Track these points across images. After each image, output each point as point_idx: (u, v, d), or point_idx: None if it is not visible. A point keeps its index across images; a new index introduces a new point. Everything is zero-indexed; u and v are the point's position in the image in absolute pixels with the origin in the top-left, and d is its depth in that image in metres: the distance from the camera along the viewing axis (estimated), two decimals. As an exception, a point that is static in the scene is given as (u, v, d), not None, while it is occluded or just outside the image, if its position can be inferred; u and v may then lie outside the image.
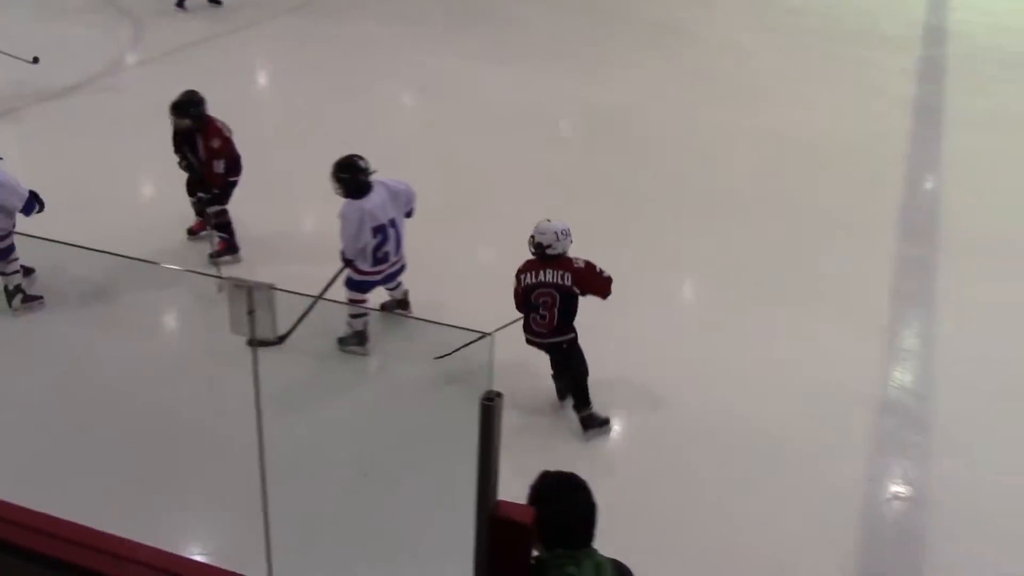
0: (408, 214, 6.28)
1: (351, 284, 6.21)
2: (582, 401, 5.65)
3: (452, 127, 10.19)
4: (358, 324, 6.22)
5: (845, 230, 8.15)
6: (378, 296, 6.49)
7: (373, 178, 6.11)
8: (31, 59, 10.36)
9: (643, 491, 5.17)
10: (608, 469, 5.37)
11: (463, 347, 5.40)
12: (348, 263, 6.13)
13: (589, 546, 2.64)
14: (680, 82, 11.81)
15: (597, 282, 5.53)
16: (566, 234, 5.53)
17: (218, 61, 11.72)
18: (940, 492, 5.27)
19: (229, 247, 7.40)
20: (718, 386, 6.13)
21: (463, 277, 7.10)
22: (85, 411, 5.54)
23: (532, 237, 5.58)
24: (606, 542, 2.72)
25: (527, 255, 5.65)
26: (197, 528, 4.93)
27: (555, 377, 5.88)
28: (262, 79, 12.10)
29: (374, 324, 6.31)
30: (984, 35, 14.43)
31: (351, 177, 6.04)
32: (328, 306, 6.06)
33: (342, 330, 6.23)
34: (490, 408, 2.33)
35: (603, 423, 5.69)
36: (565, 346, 5.60)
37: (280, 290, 2.67)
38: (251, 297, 2.72)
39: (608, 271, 5.60)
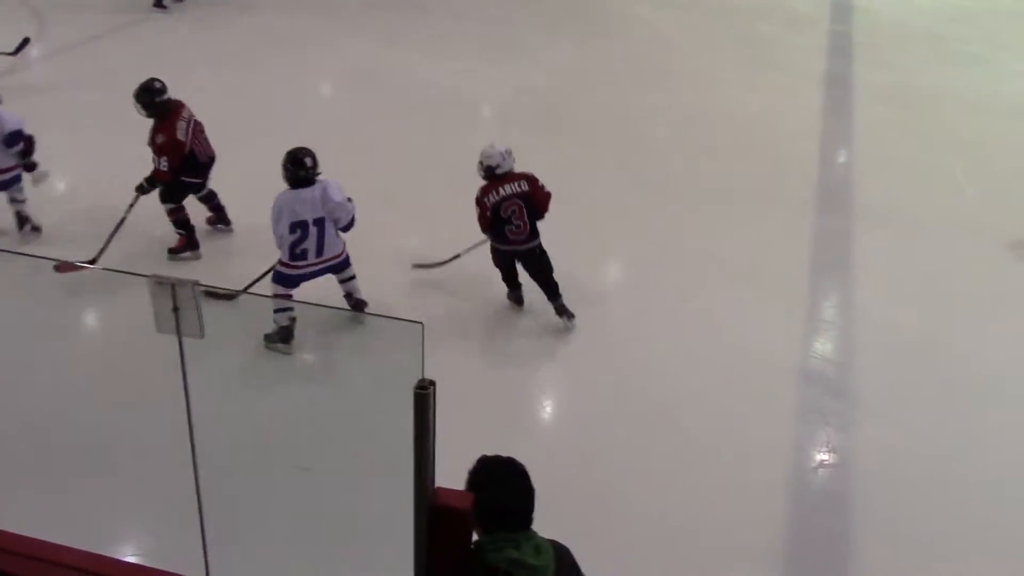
0: (344, 228, 6.16)
1: (275, 276, 6.14)
2: (555, 292, 6.40)
3: (373, 114, 10.10)
4: (282, 319, 6.12)
5: (764, 204, 8.31)
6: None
7: (322, 179, 6.05)
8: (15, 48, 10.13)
9: (571, 463, 5.22)
10: (539, 440, 5.42)
11: (450, 260, 6.76)
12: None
13: (528, 529, 2.66)
14: (593, 63, 11.88)
15: (541, 193, 6.32)
16: (509, 154, 6.33)
17: (127, 53, 11.45)
18: (863, 458, 5.43)
19: (189, 243, 7.28)
20: (642, 358, 6.22)
21: (392, 266, 7.07)
22: (6, 414, 5.39)
23: (480, 163, 6.32)
24: (539, 520, 2.75)
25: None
26: (131, 529, 4.84)
27: (512, 287, 6.63)
28: (174, 71, 11.82)
29: (308, 318, 6.23)
30: (887, 11, 14.80)
31: (292, 170, 6.01)
32: (261, 307, 5.99)
33: (270, 327, 6.15)
34: (424, 396, 2.34)
35: (572, 315, 6.44)
36: (538, 250, 6.34)
37: (205, 287, 2.64)
38: (175, 294, 2.68)
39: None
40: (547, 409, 5.94)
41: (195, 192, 7.37)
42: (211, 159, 7.31)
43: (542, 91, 10.77)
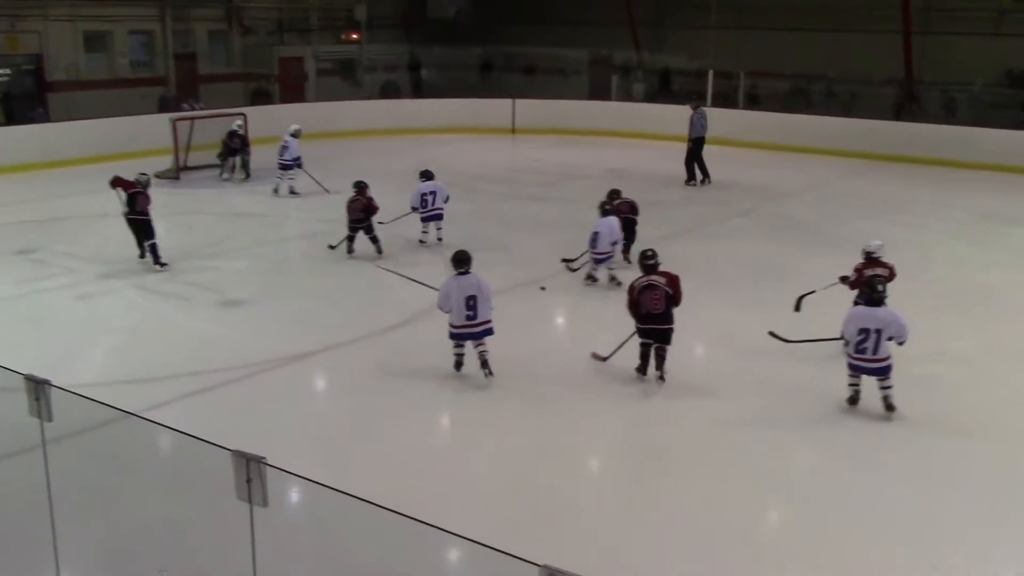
0: (900, 342, 8.41)
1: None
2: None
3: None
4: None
5: None
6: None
7: (891, 309, 8.46)
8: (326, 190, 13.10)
9: None
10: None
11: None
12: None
13: None
14: (984, 347, 10.98)
15: (892, 274, 9.68)
16: (882, 247, 10.06)
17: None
18: None
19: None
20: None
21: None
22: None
23: (863, 251, 9.98)
24: None
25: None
26: None
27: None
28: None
29: None
30: None
31: (868, 292, 8.68)
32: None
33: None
34: None
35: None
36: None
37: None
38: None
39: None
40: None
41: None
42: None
43: (938, 378, 10.06)
